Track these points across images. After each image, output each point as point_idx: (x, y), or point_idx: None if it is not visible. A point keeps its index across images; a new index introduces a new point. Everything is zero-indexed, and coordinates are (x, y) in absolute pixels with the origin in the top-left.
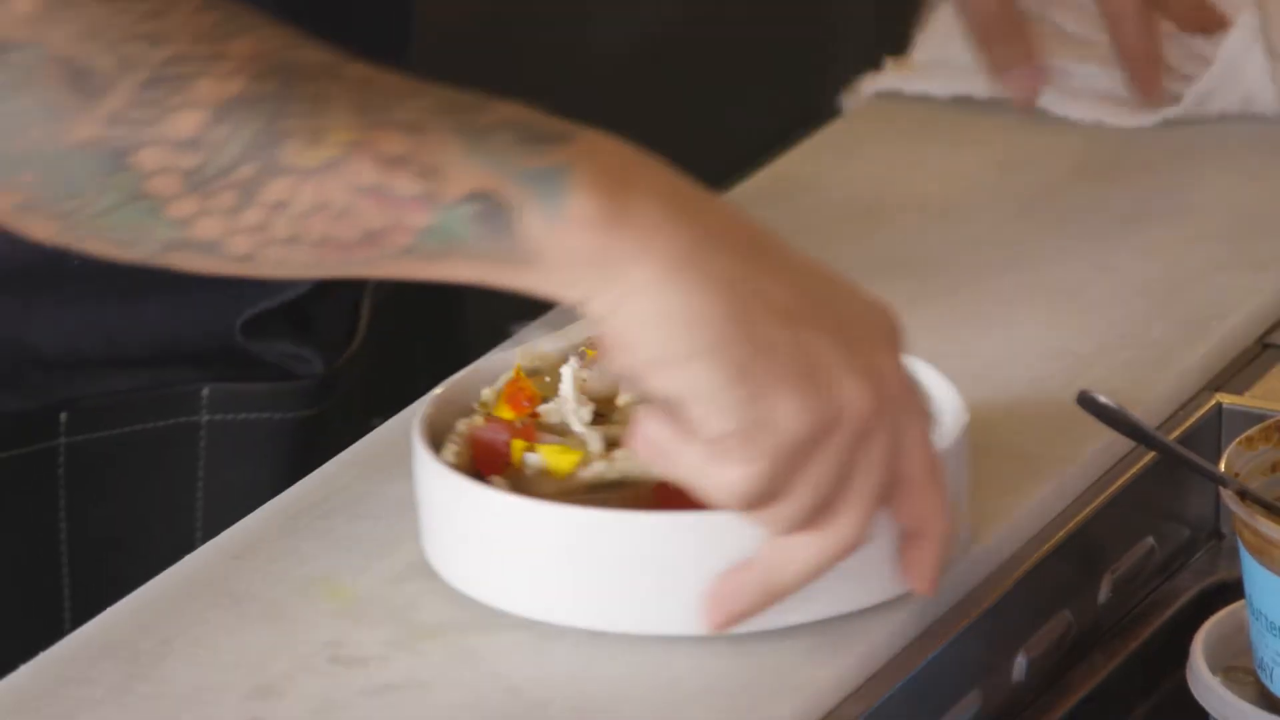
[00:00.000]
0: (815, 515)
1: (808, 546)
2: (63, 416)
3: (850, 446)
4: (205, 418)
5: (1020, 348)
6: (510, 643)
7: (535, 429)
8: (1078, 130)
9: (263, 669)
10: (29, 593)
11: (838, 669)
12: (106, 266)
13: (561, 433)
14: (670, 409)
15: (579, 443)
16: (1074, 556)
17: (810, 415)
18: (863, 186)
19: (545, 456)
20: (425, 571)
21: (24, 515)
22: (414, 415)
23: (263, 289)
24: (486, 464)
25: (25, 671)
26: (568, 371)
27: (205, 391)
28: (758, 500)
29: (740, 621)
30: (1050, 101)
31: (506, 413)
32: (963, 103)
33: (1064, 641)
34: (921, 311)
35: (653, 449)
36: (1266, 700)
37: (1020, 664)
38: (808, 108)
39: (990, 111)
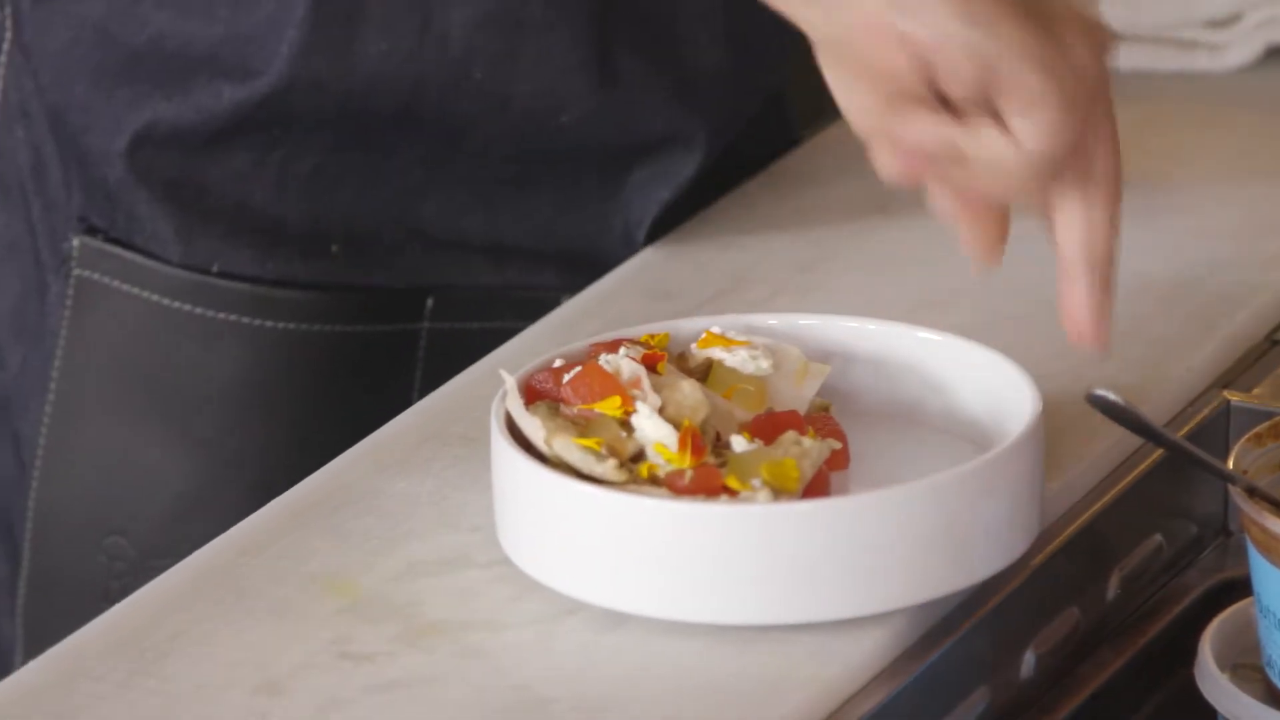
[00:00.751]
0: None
1: (1103, 206)
2: (429, 301)
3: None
4: None
5: (1028, 345)
6: (516, 639)
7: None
8: None
9: (269, 665)
10: None
11: (846, 665)
12: (500, 152)
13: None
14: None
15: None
16: (1082, 553)
17: (1098, 62)
18: (874, 180)
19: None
20: (431, 568)
21: (380, 389)
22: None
23: (643, 194)
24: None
25: (32, 667)
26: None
27: (563, 300)
28: (1069, 146)
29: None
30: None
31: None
32: None
33: (1072, 638)
34: (930, 308)
35: (940, 134)
36: (1274, 697)
37: (1028, 660)
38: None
39: None
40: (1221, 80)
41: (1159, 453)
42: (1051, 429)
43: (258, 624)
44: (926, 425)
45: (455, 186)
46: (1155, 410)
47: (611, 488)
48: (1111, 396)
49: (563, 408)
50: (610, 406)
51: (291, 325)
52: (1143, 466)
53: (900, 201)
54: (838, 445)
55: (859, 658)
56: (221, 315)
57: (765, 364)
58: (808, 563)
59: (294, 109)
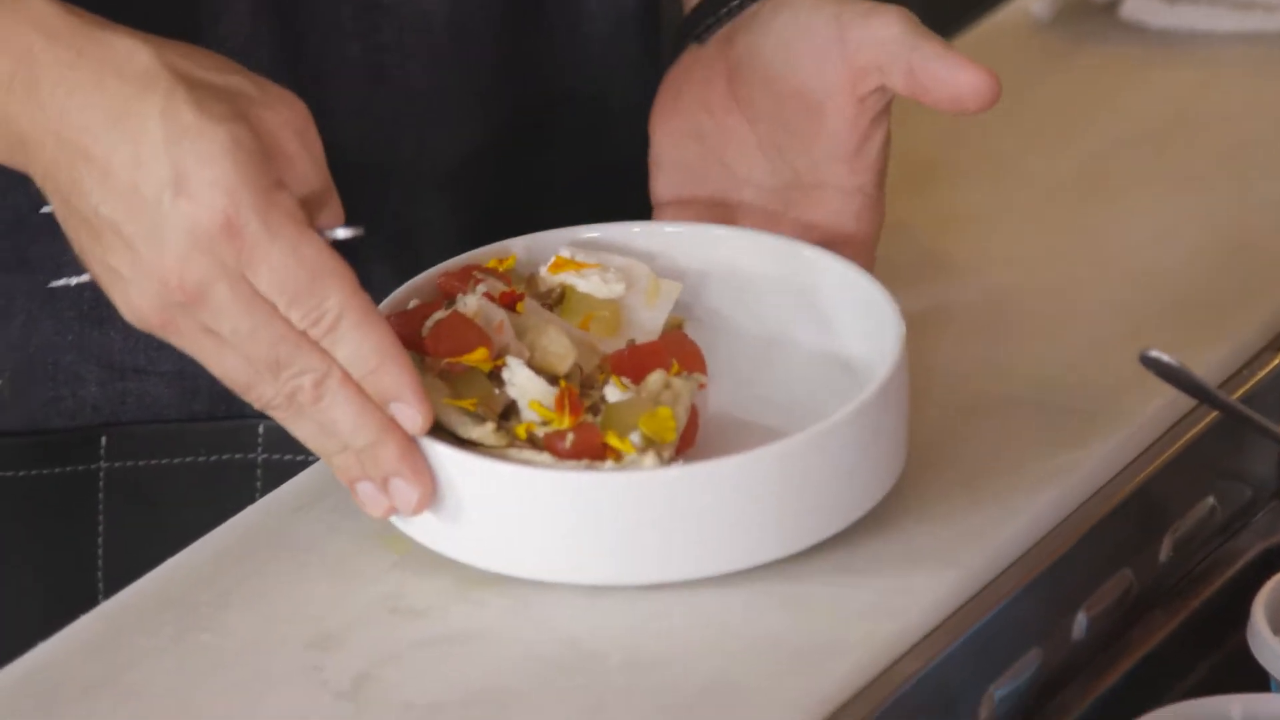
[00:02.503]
0: None
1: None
2: (103, 440)
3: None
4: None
5: (1082, 307)
6: (568, 594)
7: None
8: (1138, 90)
9: (321, 620)
10: None
11: (897, 625)
12: None
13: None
14: None
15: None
16: (1135, 515)
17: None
18: (924, 142)
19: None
20: None
21: (60, 534)
22: None
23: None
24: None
25: (87, 621)
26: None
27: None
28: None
29: None
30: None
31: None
32: (1035, 56)
33: (1124, 600)
34: (982, 271)
35: None
36: None
37: (1080, 622)
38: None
39: (1053, 72)
40: (1278, 41)
41: (1213, 415)
42: (1105, 390)
43: (310, 579)
44: (785, 340)
45: None
46: (1209, 372)
47: (492, 453)
48: (1165, 358)
49: (427, 360)
50: (478, 358)
51: None
52: (1197, 429)
53: (953, 161)
54: (703, 379)
55: (911, 617)
56: None
57: (619, 287)
58: (690, 523)
59: None
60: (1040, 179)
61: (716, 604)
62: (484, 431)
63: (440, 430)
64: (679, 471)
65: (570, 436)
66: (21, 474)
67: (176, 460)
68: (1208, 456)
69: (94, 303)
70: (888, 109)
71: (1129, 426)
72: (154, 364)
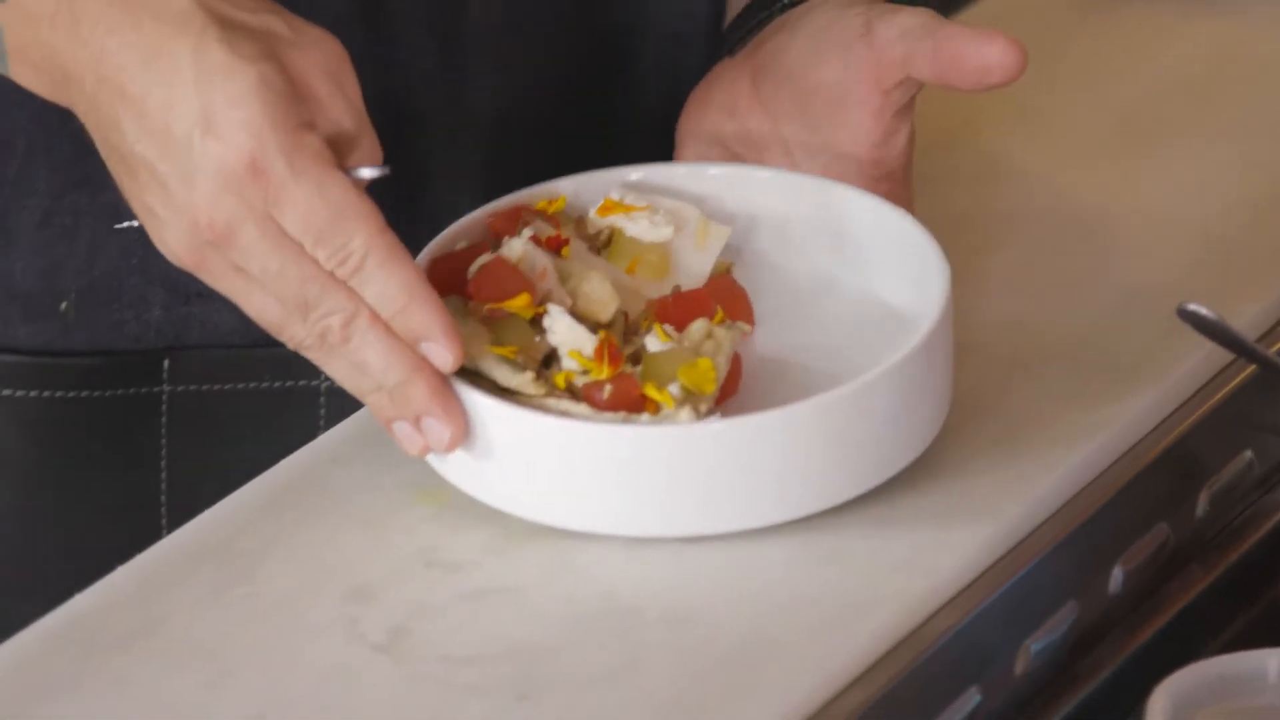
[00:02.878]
0: None
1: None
2: (166, 364)
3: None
4: None
5: (1119, 260)
6: (606, 548)
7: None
8: (1176, 42)
9: (359, 572)
10: None
11: (932, 580)
12: None
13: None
14: None
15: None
16: (1172, 469)
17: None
18: (961, 95)
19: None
20: None
21: (122, 457)
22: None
23: None
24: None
25: (124, 572)
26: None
27: None
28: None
29: None
30: None
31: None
32: (1073, 9)
33: (1161, 554)
34: (1019, 224)
35: None
36: None
37: (1117, 576)
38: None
39: (1090, 24)
40: None
41: (1250, 369)
42: (1142, 343)
43: (348, 531)
44: (833, 287)
45: None
46: (1247, 325)
47: (530, 402)
48: (1203, 311)
49: (471, 305)
50: (520, 304)
51: (9, 392)
52: (1234, 382)
53: (991, 113)
54: (747, 329)
55: (946, 571)
56: None
57: (667, 230)
58: (726, 477)
59: None
60: (1077, 132)
61: (753, 558)
62: (523, 380)
63: (481, 377)
64: (714, 426)
65: (608, 388)
66: (85, 395)
67: (239, 385)
68: (1245, 410)
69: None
70: (912, 105)
71: (1166, 380)
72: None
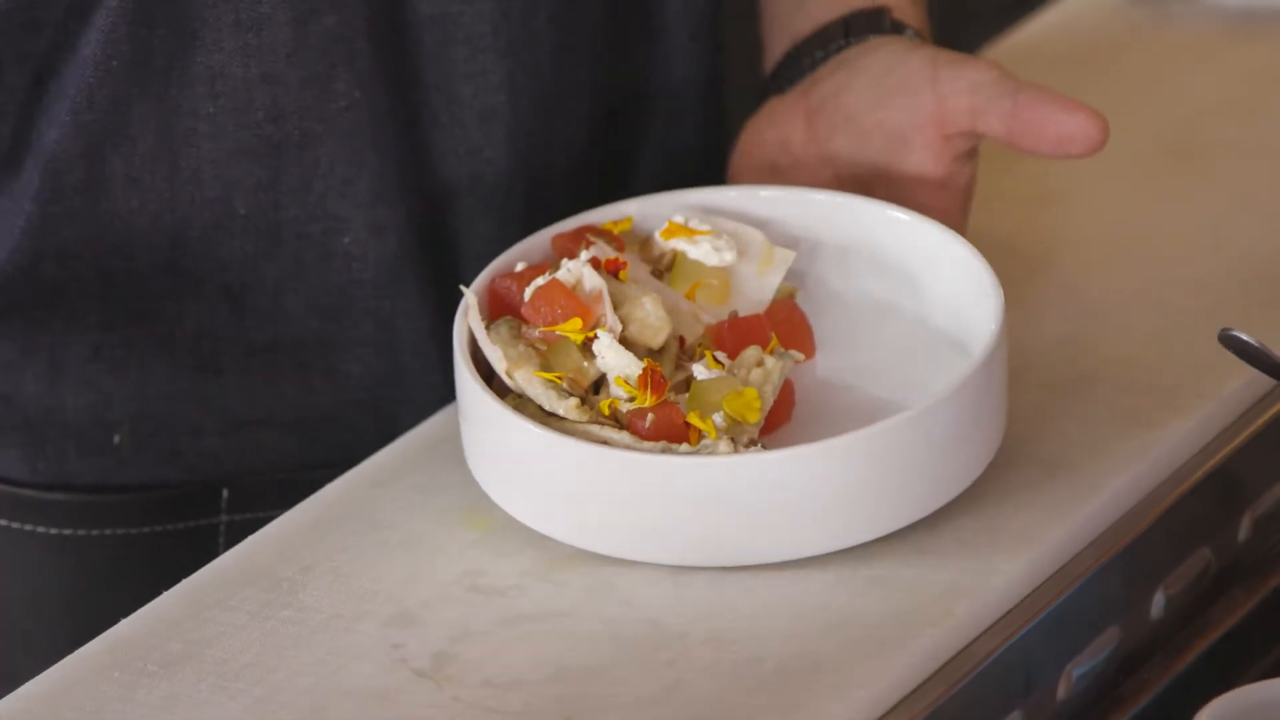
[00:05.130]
0: None
1: None
2: (225, 493)
3: None
4: None
5: (1162, 284)
6: (649, 573)
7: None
8: (1219, 67)
9: (402, 597)
10: None
11: (975, 604)
12: (292, 301)
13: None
14: None
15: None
16: (1214, 494)
17: None
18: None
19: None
20: None
21: None
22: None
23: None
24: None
25: (170, 597)
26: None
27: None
28: None
29: None
30: None
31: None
32: (1117, 33)
33: (1203, 579)
34: (1061, 246)
35: None
36: None
37: (1159, 601)
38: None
39: (1134, 48)
40: None
41: None
42: (1184, 368)
43: (391, 556)
44: (890, 311)
45: (252, 355)
46: None
47: (574, 428)
48: (1244, 336)
49: (524, 329)
50: (572, 329)
51: (68, 531)
52: (1276, 408)
53: None
54: (800, 358)
55: (989, 595)
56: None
57: (729, 255)
58: (763, 509)
59: (46, 282)
60: (1122, 155)
61: (796, 583)
62: (568, 406)
63: (529, 400)
64: (748, 459)
65: (650, 416)
66: (144, 531)
67: None
68: None
69: (211, 353)
70: (974, 153)
71: (1209, 405)
72: (273, 414)
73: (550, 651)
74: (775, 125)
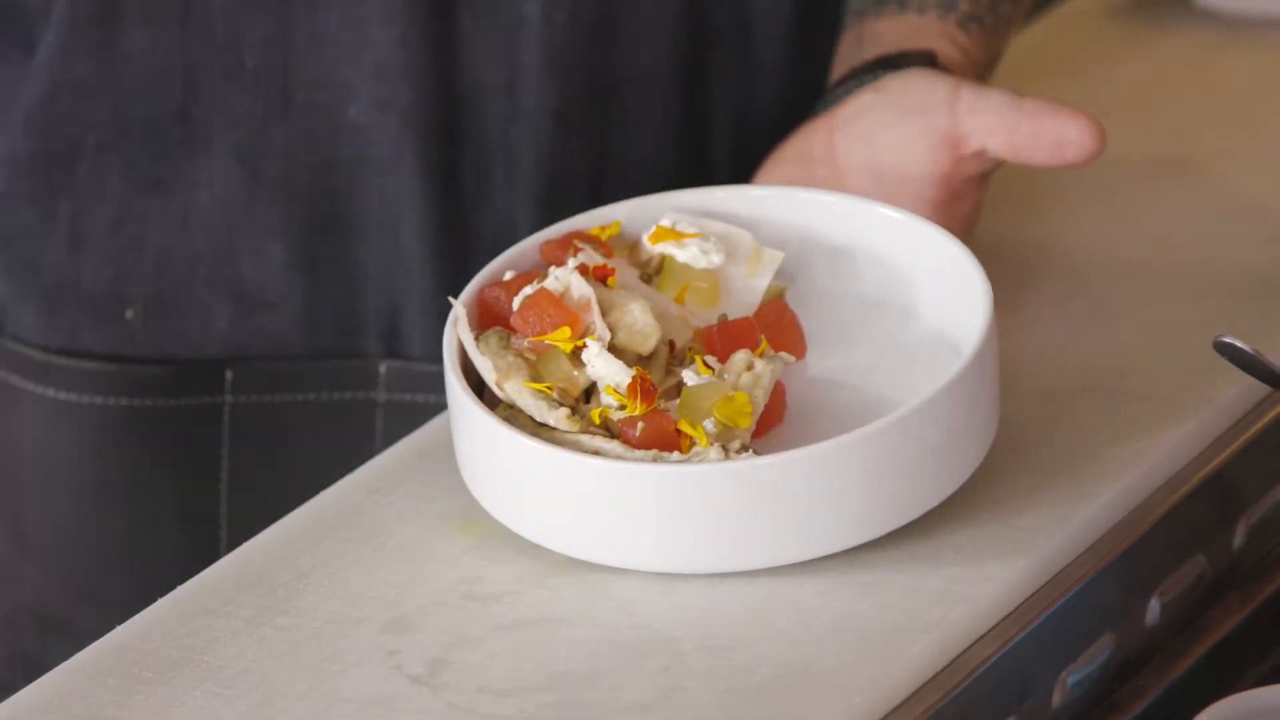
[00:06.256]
0: None
1: None
2: (228, 374)
3: None
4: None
5: (1156, 291)
6: (643, 580)
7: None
8: (1213, 75)
9: (397, 603)
10: None
11: (969, 611)
12: (304, 177)
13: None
14: None
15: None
16: (1209, 501)
17: None
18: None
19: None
20: None
21: (184, 466)
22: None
23: None
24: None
25: (164, 603)
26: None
27: (381, 367)
28: None
29: None
30: None
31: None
32: (1111, 41)
33: (1198, 585)
34: (1055, 254)
35: None
36: None
37: (1154, 607)
38: None
39: (1128, 57)
40: None
41: None
42: (1178, 375)
43: (386, 563)
44: (881, 310)
45: (268, 237)
46: None
47: (564, 438)
48: (1239, 344)
49: (513, 339)
50: (561, 338)
51: (74, 397)
52: (1271, 415)
53: None
54: (790, 360)
55: (984, 603)
56: (15, 380)
57: (717, 257)
58: (754, 516)
59: (64, 119)
60: (1116, 163)
61: (790, 589)
62: (558, 416)
63: (520, 410)
64: (738, 465)
65: (641, 425)
66: (149, 403)
67: (300, 397)
68: None
69: (225, 230)
70: (985, 180)
71: (1204, 412)
72: (283, 300)
73: (545, 658)
74: (797, 141)
